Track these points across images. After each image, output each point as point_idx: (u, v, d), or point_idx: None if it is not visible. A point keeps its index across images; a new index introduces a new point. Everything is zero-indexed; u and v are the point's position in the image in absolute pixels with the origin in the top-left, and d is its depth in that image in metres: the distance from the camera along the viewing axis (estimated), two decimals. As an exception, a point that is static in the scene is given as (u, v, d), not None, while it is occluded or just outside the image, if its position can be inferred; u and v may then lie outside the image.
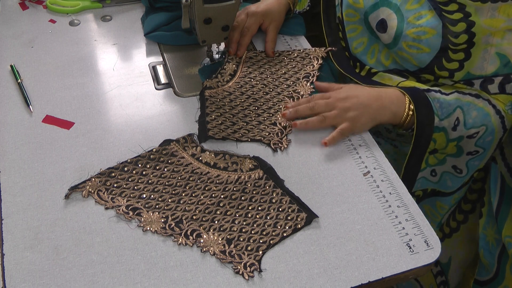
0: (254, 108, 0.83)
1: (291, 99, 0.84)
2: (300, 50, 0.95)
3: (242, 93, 0.85)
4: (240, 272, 0.60)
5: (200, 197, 0.68)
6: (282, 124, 0.80)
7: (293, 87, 0.87)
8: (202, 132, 0.77)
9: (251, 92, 0.85)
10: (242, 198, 0.69)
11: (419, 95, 0.78)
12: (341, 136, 0.77)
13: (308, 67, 0.91)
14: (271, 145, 0.76)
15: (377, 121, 0.79)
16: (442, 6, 0.77)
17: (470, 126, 0.79)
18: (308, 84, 0.87)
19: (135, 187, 0.69)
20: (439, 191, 0.90)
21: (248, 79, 0.88)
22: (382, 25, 0.83)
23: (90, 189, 0.68)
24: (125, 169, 0.71)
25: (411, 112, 0.77)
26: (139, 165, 0.72)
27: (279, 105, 0.83)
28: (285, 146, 0.76)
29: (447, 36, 0.77)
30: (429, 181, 0.88)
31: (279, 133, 0.78)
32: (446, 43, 0.77)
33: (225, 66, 0.90)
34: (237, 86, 0.86)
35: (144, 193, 0.68)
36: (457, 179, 0.88)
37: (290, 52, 0.95)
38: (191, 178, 0.71)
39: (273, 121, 0.80)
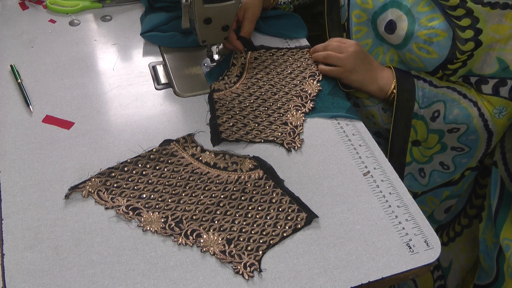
0: (264, 108, 0.83)
1: (299, 98, 0.84)
2: (303, 51, 0.95)
3: (251, 94, 0.85)
4: (240, 272, 0.60)
5: (200, 197, 0.68)
6: (293, 123, 0.80)
7: (301, 86, 0.87)
8: (215, 135, 0.77)
9: (260, 93, 0.85)
10: (242, 198, 0.69)
11: (407, 80, 0.84)
12: (327, 72, 0.88)
13: (312, 66, 0.91)
14: (285, 145, 0.77)
15: (365, 87, 0.87)
16: (449, 11, 0.78)
17: (450, 121, 0.83)
18: (315, 82, 0.87)
19: (135, 187, 0.69)
20: (429, 189, 0.93)
21: (255, 80, 0.88)
22: (391, 26, 0.84)
23: (90, 189, 0.68)
24: (125, 169, 0.71)
25: (395, 91, 0.84)
26: (139, 165, 0.72)
27: (288, 105, 0.83)
28: (299, 145, 0.77)
29: (456, 41, 0.78)
30: (419, 183, 0.90)
31: (291, 133, 0.78)
32: (454, 49, 0.79)
33: (231, 68, 0.90)
34: (245, 87, 0.86)
35: (144, 193, 0.68)
36: (445, 175, 0.91)
37: (295, 52, 0.95)
38: (191, 178, 0.71)
39: (284, 121, 0.81)
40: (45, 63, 0.89)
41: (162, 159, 0.73)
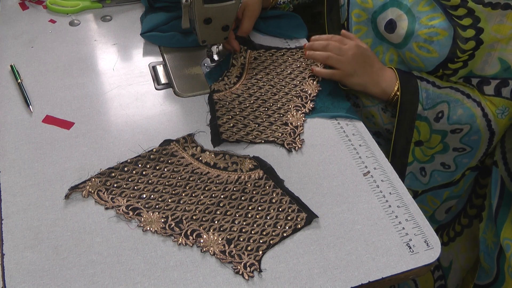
0: (264, 109, 0.83)
1: (299, 99, 0.84)
2: (303, 51, 0.95)
3: (251, 95, 0.85)
4: (240, 272, 0.60)
5: (200, 197, 0.68)
6: (294, 124, 0.80)
7: (300, 86, 0.87)
8: (216, 136, 0.77)
9: (260, 94, 0.85)
10: (242, 198, 0.69)
11: (410, 81, 0.83)
12: (328, 76, 0.86)
13: (312, 66, 0.91)
14: (285, 145, 0.76)
15: (367, 90, 0.86)
16: (450, 10, 0.78)
17: (454, 122, 0.83)
18: (315, 82, 0.87)
19: (135, 187, 0.69)
20: (429, 188, 0.93)
21: (255, 81, 0.88)
22: (391, 25, 0.84)
23: (90, 189, 0.68)
24: (125, 169, 0.71)
25: (399, 93, 0.83)
26: (139, 165, 0.72)
27: (288, 105, 0.83)
28: (299, 146, 0.77)
29: (457, 40, 0.78)
30: (420, 182, 0.90)
31: (291, 133, 0.78)
32: (455, 48, 0.79)
33: (230, 69, 0.90)
34: (245, 88, 0.86)
35: (144, 193, 0.68)
36: (446, 175, 0.91)
37: (294, 53, 0.95)
38: (191, 178, 0.71)
39: (284, 121, 0.81)
40: (45, 63, 0.89)
41: (162, 159, 0.73)
